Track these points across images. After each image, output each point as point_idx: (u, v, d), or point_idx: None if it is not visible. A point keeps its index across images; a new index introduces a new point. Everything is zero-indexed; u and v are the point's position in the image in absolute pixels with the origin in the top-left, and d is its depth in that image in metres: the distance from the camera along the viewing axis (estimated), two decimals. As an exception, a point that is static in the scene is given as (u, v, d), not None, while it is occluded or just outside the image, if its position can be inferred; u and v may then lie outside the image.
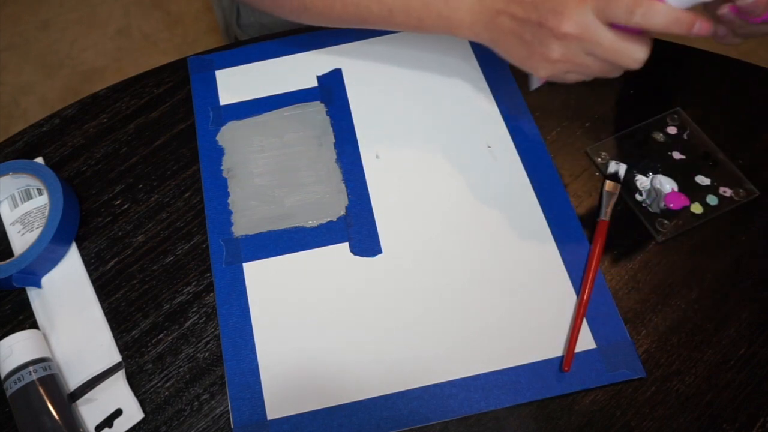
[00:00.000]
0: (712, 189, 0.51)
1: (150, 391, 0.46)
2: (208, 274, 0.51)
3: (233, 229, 0.52)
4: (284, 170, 0.55)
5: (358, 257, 0.50)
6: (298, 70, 0.60)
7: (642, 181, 0.52)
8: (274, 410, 0.44)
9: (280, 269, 0.50)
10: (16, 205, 0.54)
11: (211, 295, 0.50)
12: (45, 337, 0.47)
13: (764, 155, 0.53)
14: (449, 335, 0.46)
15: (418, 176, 0.54)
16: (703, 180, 0.52)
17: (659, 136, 0.55)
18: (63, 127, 0.59)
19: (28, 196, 0.54)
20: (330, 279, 0.49)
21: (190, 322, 0.49)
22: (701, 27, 0.38)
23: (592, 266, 0.48)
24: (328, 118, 0.57)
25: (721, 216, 0.50)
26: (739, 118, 0.55)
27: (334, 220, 0.52)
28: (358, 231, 0.51)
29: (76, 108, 0.60)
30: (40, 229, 0.50)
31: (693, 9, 0.38)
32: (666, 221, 0.50)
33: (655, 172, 0.52)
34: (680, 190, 0.51)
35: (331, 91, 0.59)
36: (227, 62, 0.61)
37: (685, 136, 0.54)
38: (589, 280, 0.47)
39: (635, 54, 0.40)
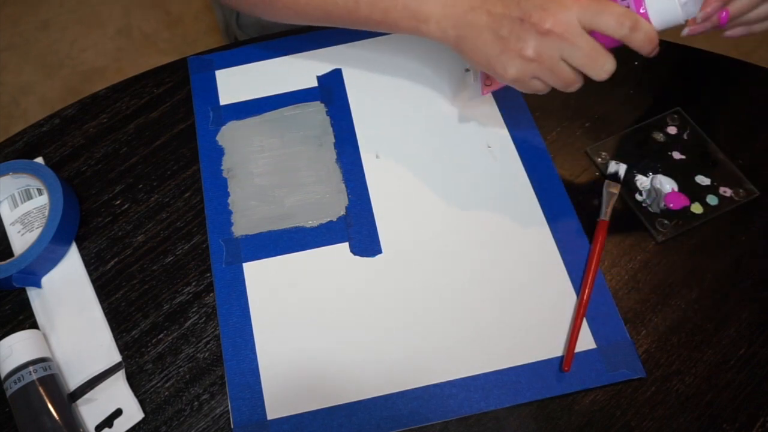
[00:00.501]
0: (712, 189, 0.51)
1: (150, 391, 0.46)
2: (208, 274, 0.51)
3: (233, 229, 0.52)
4: (284, 170, 0.55)
5: (358, 257, 0.50)
6: (298, 70, 0.60)
7: (642, 181, 0.52)
8: (274, 410, 0.44)
9: (280, 269, 0.50)
10: (16, 205, 0.54)
11: (211, 295, 0.50)
12: (45, 337, 0.47)
13: (764, 155, 0.53)
14: (449, 335, 0.46)
15: (418, 176, 0.54)
16: (703, 180, 0.52)
17: (659, 136, 0.55)
18: (63, 127, 0.59)
19: (28, 196, 0.54)
20: (330, 279, 0.49)
21: (190, 322, 0.49)
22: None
23: (592, 266, 0.48)
24: (328, 118, 0.57)
25: (721, 216, 0.50)
26: (739, 118, 0.55)
27: (334, 220, 0.52)
28: (358, 231, 0.51)
29: (76, 108, 0.60)
30: (40, 229, 0.50)
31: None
32: (666, 221, 0.50)
33: (655, 172, 0.52)
34: (680, 190, 0.51)
35: (331, 91, 0.59)
36: (227, 62, 0.61)
37: (685, 136, 0.54)
38: (589, 280, 0.47)
39: (607, 65, 0.40)
